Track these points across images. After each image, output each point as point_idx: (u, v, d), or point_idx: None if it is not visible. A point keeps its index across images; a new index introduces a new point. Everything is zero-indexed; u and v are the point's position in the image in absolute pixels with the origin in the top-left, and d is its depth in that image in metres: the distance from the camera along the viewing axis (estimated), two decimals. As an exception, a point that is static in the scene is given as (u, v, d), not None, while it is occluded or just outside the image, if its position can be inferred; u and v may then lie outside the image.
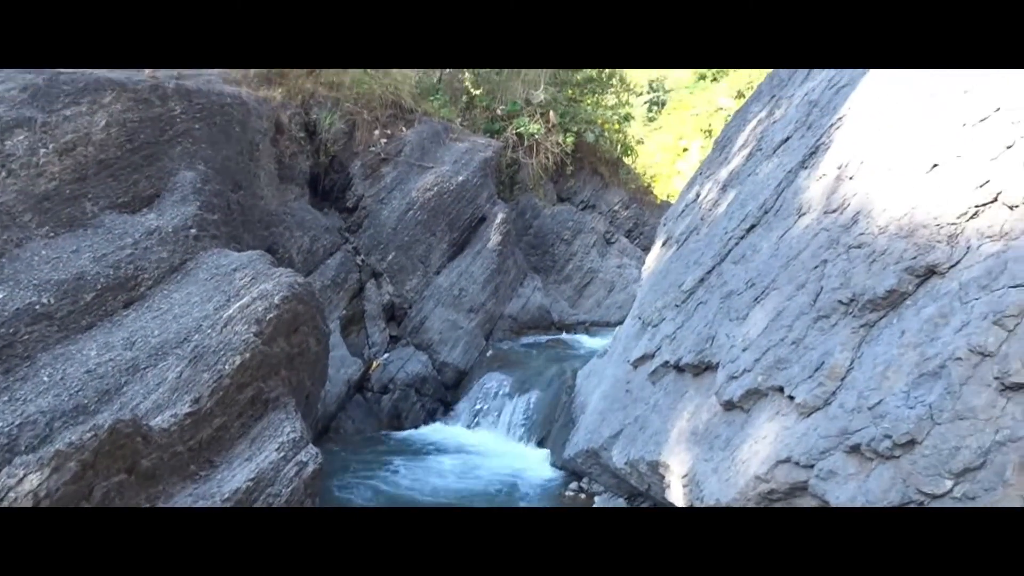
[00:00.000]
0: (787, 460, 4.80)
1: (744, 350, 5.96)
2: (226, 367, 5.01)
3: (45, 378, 5.20)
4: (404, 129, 14.19)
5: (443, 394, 12.44)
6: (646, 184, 19.04)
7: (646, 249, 17.09)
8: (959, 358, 3.96)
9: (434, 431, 11.58)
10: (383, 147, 13.75)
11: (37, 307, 5.58)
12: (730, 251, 7.65)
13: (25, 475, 3.35)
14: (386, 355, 12.35)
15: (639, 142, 19.40)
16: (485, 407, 11.68)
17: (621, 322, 11.50)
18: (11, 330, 5.33)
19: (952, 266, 4.44)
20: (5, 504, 3.27)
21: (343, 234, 12.80)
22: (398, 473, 9.51)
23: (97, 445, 3.58)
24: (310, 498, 5.14)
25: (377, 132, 13.86)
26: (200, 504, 4.19)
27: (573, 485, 9.13)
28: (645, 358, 8.35)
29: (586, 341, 15.01)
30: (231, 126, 9.28)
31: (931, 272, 4.56)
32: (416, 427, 11.73)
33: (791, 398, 5.09)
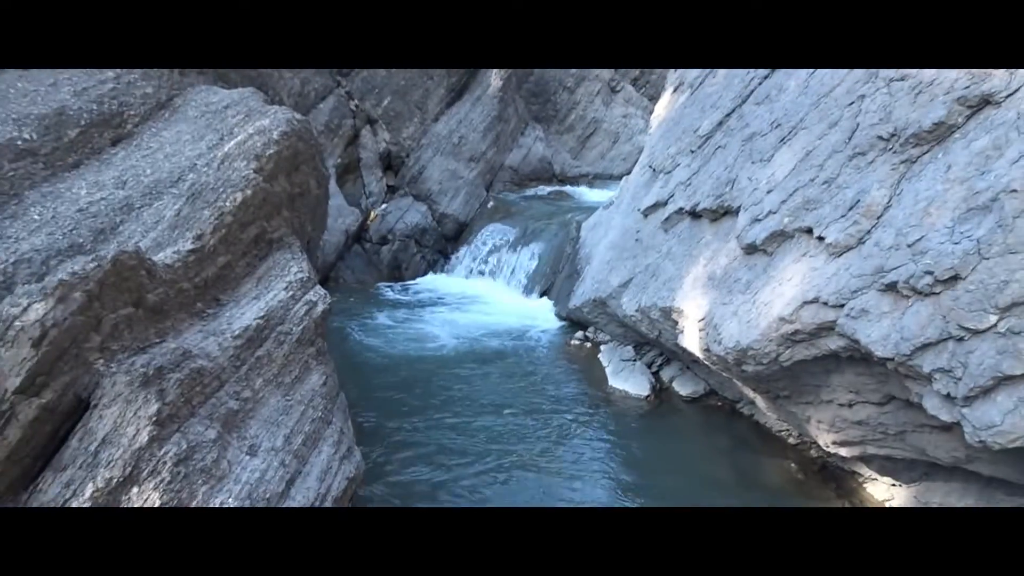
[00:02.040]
0: (814, 300, 4.64)
1: (768, 192, 5.69)
2: (227, 204, 4.72)
3: (36, 216, 4.93)
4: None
5: (443, 245, 12.23)
6: (651, 30, 18.10)
7: (653, 98, 16.44)
8: (1014, 190, 3.71)
9: (435, 282, 11.46)
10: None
11: (19, 142, 5.22)
12: (752, 92, 7.23)
13: (29, 304, 3.14)
14: (384, 205, 12.04)
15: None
16: (487, 258, 11.51)
17: (626, 174, 11.16)
18: (-6, 165, 4.99)
19: (1010, 95, 4.11)
20: (11, 334, 3.07)
21: (335, 77, 12.16)
22: (401, 321, 9.44)
23: (102, 276, 3.36)
24: (320, 338, 5.00)
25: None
26: (210, 340, 4.03)
27: (578, 335, 9.09)
28: (657, 206, 8.08)
29: (589, 193, 14.71)
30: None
31: (985, 102, 4.23)
32: (416, 278, 11.61)
33: (820, 239, 4.87)
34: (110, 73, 6.23)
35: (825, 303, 4.55)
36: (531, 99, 15.64)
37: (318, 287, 5.11)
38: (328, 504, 4.05)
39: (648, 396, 7.50)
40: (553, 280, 10.72)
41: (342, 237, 10.85)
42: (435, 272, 11.87)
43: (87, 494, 3.15)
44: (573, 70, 15.87)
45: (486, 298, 10.68)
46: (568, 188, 14.86)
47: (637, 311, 7.33)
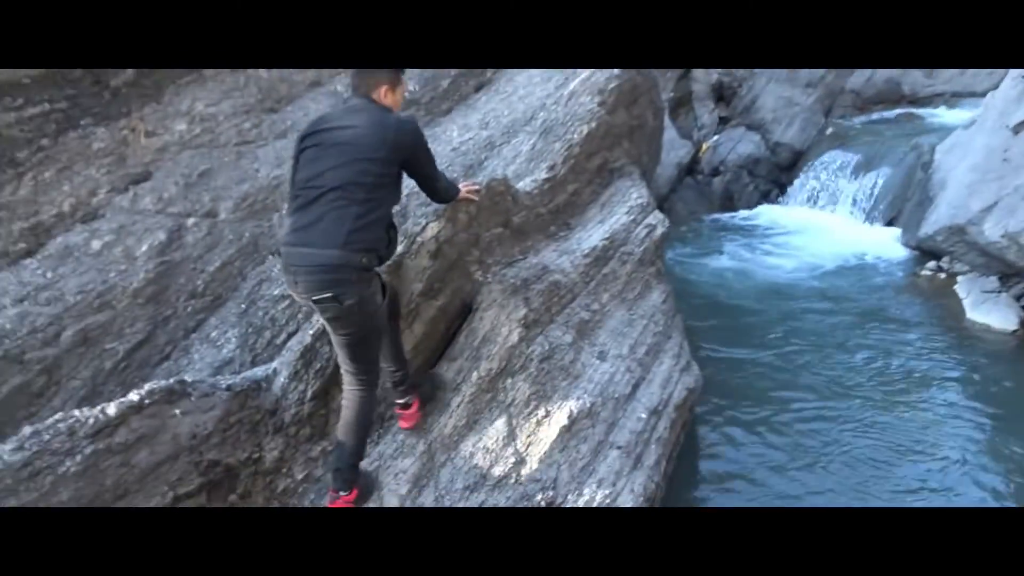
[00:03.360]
0: None
1: None
2: (574, 136, 5.18)
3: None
4: None
5: (777, 175, 11.87)
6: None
7: (1029, -1, 14.15)
8: None
9: (769, 212, 11.21)
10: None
11: (406, 94, 6.13)
12: None
13: (427, 224, 3.88)
14: (716, 137, 11.98)
15: None
16: (826, 187, 10.97)
17: (991, 90, 9.83)
18: (388, 114, 5.93)
19: None
20: (414, 247, 3.81)
21: (667, 12, 12.22)
22: (734, 252, 9.45)
23: (480, 200, 3.99)
24: (659, 259, 5.31)
25: None
26: (564, 258, 4.54)
27: (930, 264, 8.40)
28: (1031, 119, 7.15)
29: (944, 115, 13.18)
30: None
31: None
32: (749, 208, 11.45)
33: None
34: (471, 27, 7.02)
35: None
36: (878, 13, 14.30)
37: (656, 212, 5.41)
38: (670, 410, 4.38)
39: (1016, 331, 6.77)
40: (900, 208, 9.94)
41: (674, 170, 11.05)
42: (769, 202, 11.59)
43: (473, 380, 3.82)
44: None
45: (824, 228, 10.24)
46: (919, 110, 13.44)
47: (1003, 236, 6.63)
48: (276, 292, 4.57)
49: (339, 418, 3.33)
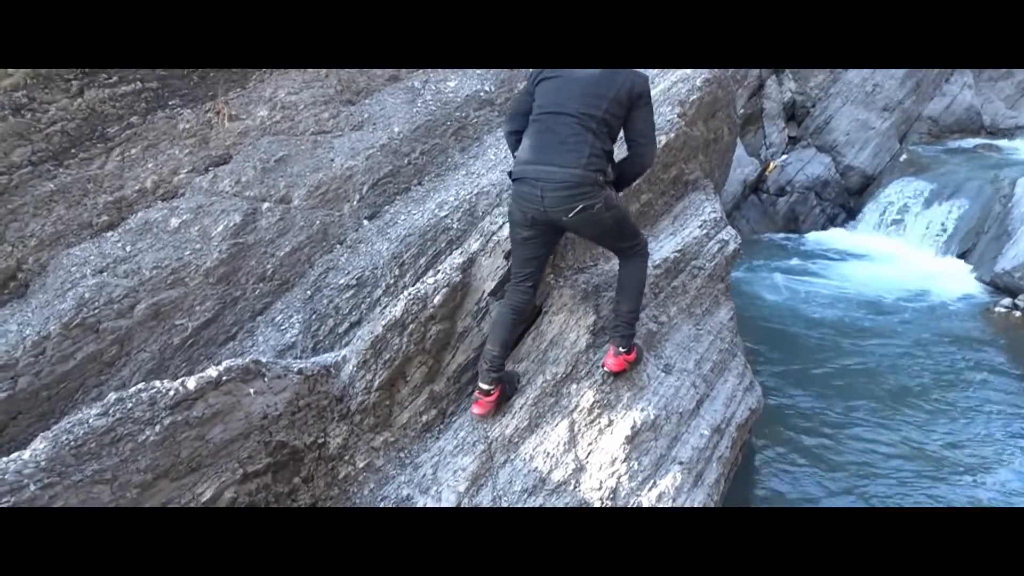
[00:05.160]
0: None
1: None
2: (653, 146, 5.13)
3: (491, 156, 5.78)
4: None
5: (846, 199, 11.62)
6: None
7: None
8: None
9: (834, 236, 10.97)
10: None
11: (481, 94, 6.14)
12: None
13: (503, 223, 3.89)
14: (784, 156, 11.77)
15: None
16: (896, 214, 10.69)
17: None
18: (463, 114, 5.96)
19: None
20: (490, 246, 3.81)
21: (743, 28, 12.07)
22: (798, 275, 9.27)
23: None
24: (728, 275, 5.22)
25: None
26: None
27: (1005, 302, 8.12)
28: (1125, 156, 6.85)
29: (1024, 148, 12.78)
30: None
31: None
32: (814, 231, 11.22)
33: None
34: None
35: None
36: (962, 40, 13.93)
37: (729, 227, 5.31)
38: (731, 428, 4.30)
39: (1091, 376, 6.51)
40: (974, 242, 9.64)
41: (740, 187, 10.89)
42: (835, 226, 11.35)
43: (537, 383, 3.79)
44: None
45: (893, 256, 9.98)
46: (999, 142, 13.03)
47: (1088, 277, 6.36)
48: (342, 281, 4.60)
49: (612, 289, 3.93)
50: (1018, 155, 12.35)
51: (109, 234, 4.27)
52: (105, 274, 4.08)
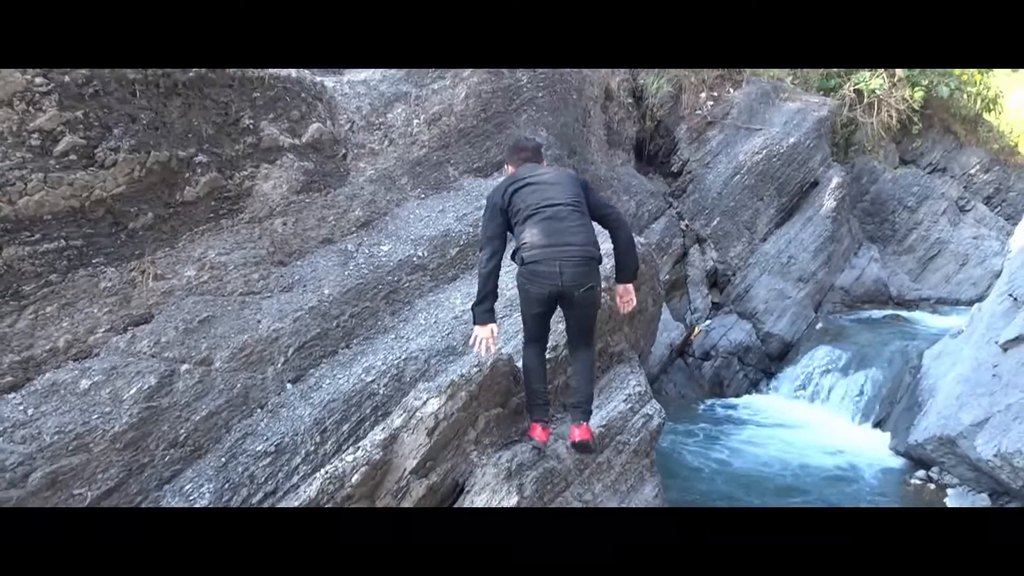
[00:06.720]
0: None
1: None
2: (577, 319, 5.24)
3: (422, 321, 5.81)
4: (732, 90, 13.67)
5: (767, 365, 11.96)
6: (1012, 144, 16.39)
7: (1011, 218, 14.85)
8: None
9: (757, 401, 11.19)
10: (709, 110, 13.39)
11: (414, 259, 6.23)
12: None
13: (428, 399, 3.82)
14: (708, 321, 12.15)
15: (997, 96, 16.65)
16: (814, 381, 11.03)
17: (976, 300, 10.10)
18: (395, 278, 6.01)
19: None
20: (413, 422, 3.73)
21: (667, 199, 12.74)
22: (722, 441, 9.34)
23: (482, 379, 3.96)
24: (652, 451, 5.22)
25: (704, 95, 13.52)
26: (559, 443, 4.45)
27: (920, 474, 8.29)
28: (1020, 340, 7.29)
29: (930, 320, 13.49)
30: (569, 93, 9.60)
31: None
32: (738, 395, 11.44)
33: None
34: (483, 201, 7.27)
35: None
36: (866, 218, 14.94)
37: (654, 401, 5.38)
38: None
39: (1007, 555, 6.58)
40: (889, 410, 9.95)
41: (666, 351, 11.13)
42: (758, 391, 11.61)
43: (457, 569, 3.63)
44: (915, 188, 14.95)
45: (812, 423, 10.19)
46: (906, 313, 13.76)
47: (996, 456, 6.59)
48: (259, 448, 4.44)
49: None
50: (923, 326, 13.03)
51: (11, 395, 4.06)
52: (0, 439, 3.84)
